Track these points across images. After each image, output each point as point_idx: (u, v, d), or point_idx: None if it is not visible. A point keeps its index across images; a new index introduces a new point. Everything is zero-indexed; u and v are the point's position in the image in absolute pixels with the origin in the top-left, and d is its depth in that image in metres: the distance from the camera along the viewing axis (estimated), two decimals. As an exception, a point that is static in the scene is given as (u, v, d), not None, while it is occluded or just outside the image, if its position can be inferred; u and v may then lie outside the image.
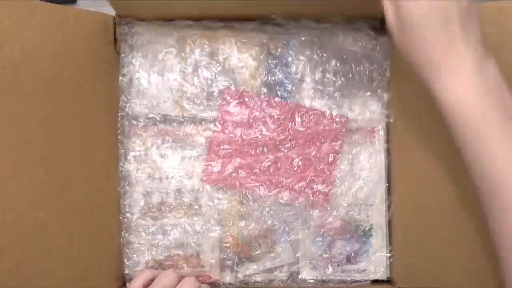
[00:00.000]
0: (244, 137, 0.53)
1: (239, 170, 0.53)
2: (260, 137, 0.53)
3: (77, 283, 0.49)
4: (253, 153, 0.53)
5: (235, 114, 0.54)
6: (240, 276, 0.55)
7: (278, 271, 0.55)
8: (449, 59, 0.36)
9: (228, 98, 0.54)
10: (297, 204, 0.54)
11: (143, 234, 0.54)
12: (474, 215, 0.47)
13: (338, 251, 0.54)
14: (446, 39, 0.36)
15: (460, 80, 0.36)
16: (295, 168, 0.53)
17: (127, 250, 0.54)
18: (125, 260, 0.54)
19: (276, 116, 0.53)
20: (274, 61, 0.55)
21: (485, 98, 0.36)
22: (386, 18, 0.39)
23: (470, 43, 0.37)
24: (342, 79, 0.55)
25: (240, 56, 0.55)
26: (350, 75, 0.55)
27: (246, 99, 0.54)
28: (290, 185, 0.53)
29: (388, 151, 0.54)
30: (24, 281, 0.45)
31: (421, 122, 0.50)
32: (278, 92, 0.54)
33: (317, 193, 0.53)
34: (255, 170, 0.53)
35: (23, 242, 0.45)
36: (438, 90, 0.37)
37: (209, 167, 0.53)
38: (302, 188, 0.53)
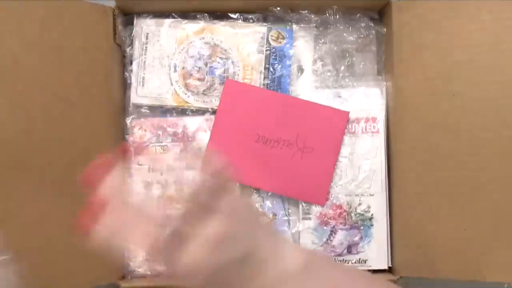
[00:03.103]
0: (245, 128, 0.53)
1: (240, 161, 0.53)
2: (261, 128, 0.53)
3: (78, 274, 0.49)
4: (254, 144, 0.53)
5: (236, 105, 0.54)
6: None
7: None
8: None
9: (230, 89, 0.54)
10: (298, 195, 0.54)
11: (144, 225, 0.54)
12: (474, 203, 0.47)
13: (339, 241, 0.54)
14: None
15: None
16: (296, 160, 0.53)
17: (128, 241, 0.54)
18: (124, 252, 0.54)
19: (277, 108, 0.53)
20: (273, 53, 0.55)
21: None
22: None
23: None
24: (342, 69, 0.55)
25: (240, 47, 0.55)
26: (349, 65, 0.55)
27: (248, 91, 0.54)
28: (291, 176, 0.53)
29: (387, 141, 0.54)
30: (25, 271, 0.45)
31: (420, 111, 0.50)
32: (279, 83, 0.54)
33: (318, 184, 0.53)
34: (256, 162, 0.53)
35: (23, 232, 0.45)
36: None
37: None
38: (304, 179, 0.53)
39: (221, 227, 0.29)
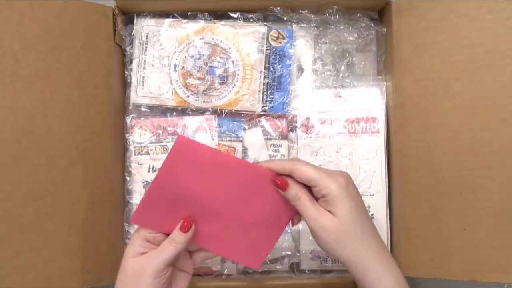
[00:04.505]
0: (185, 198, 0.41)
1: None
2: (204, 199, 0.41)
3: (78, 272, 0.49)
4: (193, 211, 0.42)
5: (180, 167, 0.40)
6: (240, 267, 0.55)
7: (278, 262, 0.55)
8: (372, 263, 0.40)
9: (180, 147, 0.40)
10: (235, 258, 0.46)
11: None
12: (474, 203, 0.47)
13: (339, 241, 0.54)
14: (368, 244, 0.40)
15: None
16: (237, 231, 0.43)
17: (128, 241, 0.54)
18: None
19: (225, 178, 0.41)
20: (274, 52, 0.55)
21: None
22: (314, 230, 0.39)
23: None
24: (342, 69, 0.55)
25: (240, 47, 0.55)
26: (350, 65, 0.55)
27: (198, 153, 0.40)
28: (231, 243, 0.44)
29: (387, 141, 0.54)
30: (25, 270, 0.45)
31: (420, 111, 0.50)
32: (279, 83, 0.55)
33: (258, 250, 0.44)
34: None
35: (24, 231, 0.45)
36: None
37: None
38: (244, 246, 0.44)
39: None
